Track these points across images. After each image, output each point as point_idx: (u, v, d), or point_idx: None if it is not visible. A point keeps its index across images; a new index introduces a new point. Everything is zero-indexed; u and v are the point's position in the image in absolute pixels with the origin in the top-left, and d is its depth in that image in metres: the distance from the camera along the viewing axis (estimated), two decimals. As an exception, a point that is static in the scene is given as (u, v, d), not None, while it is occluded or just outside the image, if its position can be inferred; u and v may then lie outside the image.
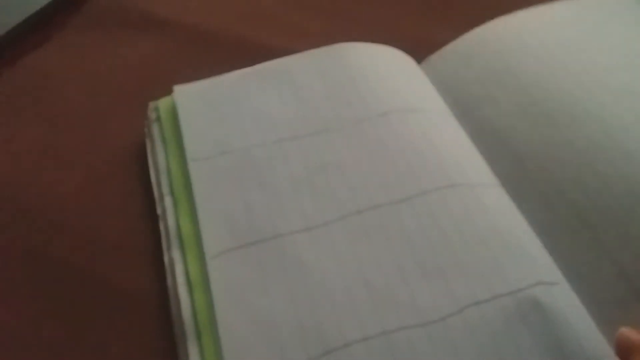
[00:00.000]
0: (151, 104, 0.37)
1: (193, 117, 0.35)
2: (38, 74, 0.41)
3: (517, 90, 0.35)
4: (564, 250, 0.29)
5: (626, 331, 0.26)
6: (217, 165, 0.33)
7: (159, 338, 0.29)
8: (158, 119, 0.36)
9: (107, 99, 0.40)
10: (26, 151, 0.37)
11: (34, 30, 0.44)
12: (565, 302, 0.26)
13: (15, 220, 0.33)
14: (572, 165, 0.31)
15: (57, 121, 0.38)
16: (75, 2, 0.46)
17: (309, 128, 0.34)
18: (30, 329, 0.29)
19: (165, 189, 0.33)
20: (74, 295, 0.30)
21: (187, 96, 0.36)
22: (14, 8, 0.43)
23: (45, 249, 0.32)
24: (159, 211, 0.32)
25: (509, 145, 0.33)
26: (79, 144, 0.37)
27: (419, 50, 0.40)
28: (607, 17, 0.39)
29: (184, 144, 0.34)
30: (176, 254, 0.30)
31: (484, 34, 0.39)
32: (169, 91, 0.37)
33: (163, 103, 0.37)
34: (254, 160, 0.33)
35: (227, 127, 0.34)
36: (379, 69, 0.36)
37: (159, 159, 0.34)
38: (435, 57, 0.39)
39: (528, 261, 0.28)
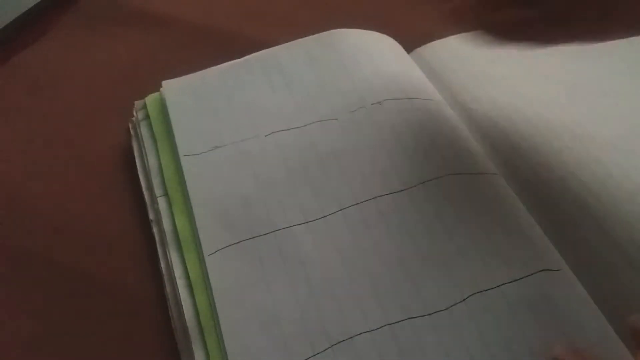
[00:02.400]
0: (137, 103, 0.36)
1: (183, 112, 0.34)
2: (31, 72, 0.40)
3: (514, 94, 0.36)
4: (569, 241, 0.29)
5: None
6: (210, 160, 0.32)
7: (158, 340, 0.28)
8: (147, 116, 0.35)
9: (102, 97, 0.39)
10: (19, 150, 0.36)
11: (27, 28, 0.43)
12: (569, 288, 0.26)
13: (8, 220, 0.33)
14: (575, 167, 0.32)
15: (50, 119, 0.38)
16: (69, -1, 0.45)
17: (303, 119, 0.33)
18: (27, 328, 0.29)
19: (159, 190, 0.32)
20: (70, 294, 0.30)
21: (176, 91, 0.35)
22: (7, 5, 0.42)
23: (39, 250, 0.31)
24: (151, 216, 0.32)
25: (508, 138, 0.34)
26: (72, 142, 0.36)
27: (407, 42, 0.39)
28: None
29: (175, 140, 0.33)
30: (174, 255, 0.29)
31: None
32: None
33: (150, 100, 0.36)
34: (248, 154, 0.32)
35: (219, 121, 0.34)
36: (371, 56, 0.36)
37: (150, 158, 0.33)
38: (425, 50, 0.39)
39: (531, 249, 0.28)
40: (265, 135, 0.33)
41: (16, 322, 0.29)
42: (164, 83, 0.36)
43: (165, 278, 0.29)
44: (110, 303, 0.29)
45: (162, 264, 0.30)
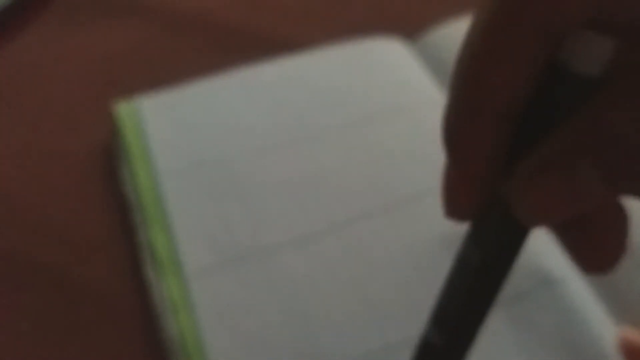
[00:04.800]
0: (115, 108, 0.34)
1: (162, 129, 0.33)
2: (12, 67, 0.38)
3: None
4: None
5: (626, 333, 0.25)
6: (191, 177, 0.31)
7: (146, 351, 0.26)
8: (120, 129, 0.33)
9: (85, 93, 0.36)
10: (1, 148, 0.34)
11: (8, 20, 0.40)
12: (575, 297, 0.26)
13: None
14: None
15: (32, 116, 0.35)
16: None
17: (290, 136, 0.32)
18: (3, 337, 0.27)
19: (135, 205, 0.30)
20: (51, 301, 0.28)
21: (154, 108, 0.34)
22: None
23: (19, 253, 0.29)
24: (136, 220, 0.30)
25: None
26: (54, 140, 0.34)
27: (414, 27, 0.39)
28: None
29: (153, 156, 0.31)
30: (153, 273, 0.28)
31: None
32: (150, 83, 0.35)
33: (123, 111, 0.33)
34: (231, 172, 0.31)
35: (200, 138, 0.32)
36: (360, 72, 0.35)
37: (125, 173, 0.32)
38: (430, 38, 0.38)
39: (535, 260, 0.27)
40: (250, 153, 0.32)
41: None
42: (141, 101, 0.34)
43: (153, 287, 0.27)
44: (94, 310, 0.27)
45: (149, 271, 0.28)
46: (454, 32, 0.37)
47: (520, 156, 0.14)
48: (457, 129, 0.14)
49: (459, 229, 0.28)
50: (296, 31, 0.39)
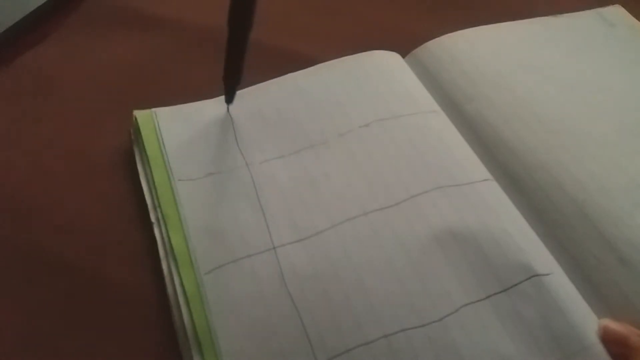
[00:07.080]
0: (135, 115, 0.37)
1: (177, 140, 0.35)
2: (34, 74, 0.41)
3: (508, 92, 0.37)
4: (563, 240, 0.30)
5: (607, 323, 0.27)
6: (204, 185, 0.33)
7: (160, 339, 0.28)
8: (139, 134, 0.36)
9: (104, 99, 0.39)
10: (22, 150, 0.36)
11: (30, 30, 0.43)
12: (560, 290, 0.28)
13: (12, 219, 0.33)
14: (570, 166, 0.33)
15: (53, 120, 0.38)
16: (72, 1, 0.46)
17: (294, 146, 0.34)
18: (28, 327, 0.29)
19: (155, 202, 0.33)
20: (72, 293, 0.30)
21: (170, 119, 0.36)
22: (10, 7, 0.43)
23: (42, 247, 0.31)
24: (153, 218, 0.32)
25: (503, 139, 0.35)
26: (74, 143, 0.37)
27: (410, 44, 0.41)
28: (583, 38, 0.42)
29: (168, 161, 0.34)
30: (171, 267, 0.30)
31: (474, 35, 0.41)
32: (165, 93, 0.37)
33: (142, 119, 0.36)
34: (241, 180, 0.33)
35: (213, 149, 0.35)
36: (358, 82, 0.37)
37: (143, 175, 0.34)
38: (420, 51, 0.40)
39: (521, 256, 0.29)
40: (259, 163, 0.34)
41: (17, 319, 0.29)
42: (157, 111, 0.37)
43: (167, 280, 0.30)
44: (112, 301, 0.30)
45: (164, 266, 0.30)
46: (439, 49, 0.40)
47: None
48: None
49: (449, 225, 0.30)
50: (302, 47, 0.41)
